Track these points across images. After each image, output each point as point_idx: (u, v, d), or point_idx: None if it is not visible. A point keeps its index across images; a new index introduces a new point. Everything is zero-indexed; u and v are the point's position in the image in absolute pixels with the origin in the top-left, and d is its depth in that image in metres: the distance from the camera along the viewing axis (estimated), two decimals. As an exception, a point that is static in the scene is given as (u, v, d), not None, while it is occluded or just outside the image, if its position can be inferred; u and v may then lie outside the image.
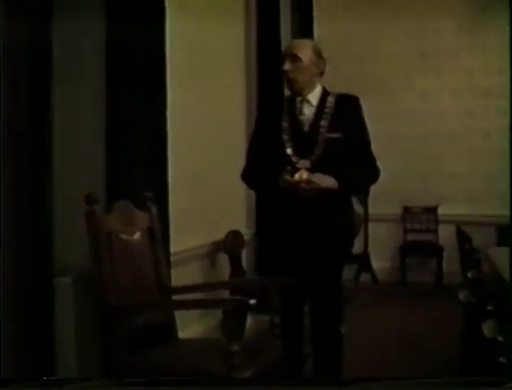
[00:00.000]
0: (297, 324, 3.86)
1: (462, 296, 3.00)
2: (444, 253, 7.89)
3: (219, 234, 5.71)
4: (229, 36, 6.17)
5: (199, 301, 3.94)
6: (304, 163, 3.65)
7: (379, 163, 3.86)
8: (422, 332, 5.90)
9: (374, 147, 3.89)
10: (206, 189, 5.43)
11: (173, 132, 4.32)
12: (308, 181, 3.56)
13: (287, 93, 3.92)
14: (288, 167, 3.62)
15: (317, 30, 7.76)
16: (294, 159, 3.68)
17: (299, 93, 3.76)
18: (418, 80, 8.42)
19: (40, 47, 3.30)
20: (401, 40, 8.43)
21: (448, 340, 4.99)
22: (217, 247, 5.74)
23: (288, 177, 3.58)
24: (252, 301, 2.96)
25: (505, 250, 4.46)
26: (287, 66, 3.70)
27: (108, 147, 3.84)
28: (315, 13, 7.84)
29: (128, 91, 3.89)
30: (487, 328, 2.31)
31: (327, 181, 3.61)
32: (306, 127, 3.74)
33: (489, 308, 2.54)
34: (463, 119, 8.24)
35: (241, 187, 5.34)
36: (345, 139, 3.71)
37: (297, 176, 3.57)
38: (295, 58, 3.70)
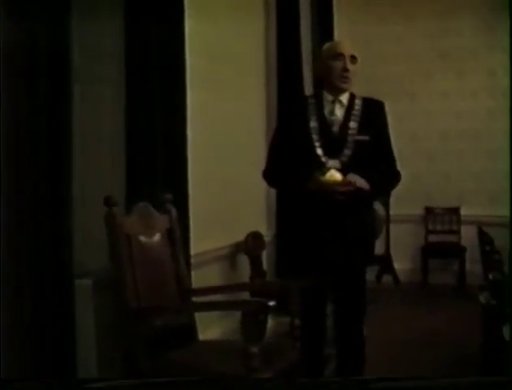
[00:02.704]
0: (318, 326, 3.86)
1: (482, 298, 2.97)
2: (467, 255, 7.83)
3: (240, 235, 5.70)
4: (249, 36, 6.16)
5: (218, 302, 3.93)
6: (334, 164, 3.67)
7: (400, 164, 3.88)
8: (443, 334, 5.86)
9: (395, 147, 3.91)
10: (226, 191, 5.42)
11: (193, 133, 4.32)
12: (344, 182, 3.57)
13: (308, 92, 3.92)
14: (323, 168, 3.62)
15: (337, 30, 7.76)
16: (324, 159, 3.69)
17: (338, 93, 3.78)
18: (439, 80, 8.37)
19: (59, 48, 3.30)
20: (421, 40, 8.39)
21: (469, 342, 4.95)
22: (237, 248, 5.73)
23: (321, 178, 3.58)
24: (271, 303, 2.95)
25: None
26: (349, 65, 3.73)
27: (128, 149, 3.84)
28: (335, 13, 7.83)
29: (147, 93, 3.89)
30: (507, 331, 2.28)
31: (361, 182, 3.63)
32: (336, 128, 3.76)
33: (509, 310, 2.51)
34: (484, 119, 8.19)
35: (261, 188, 5.36)
36: (372, 142, 3.74)
37: (327, 176, 3.58)
38: (353, 59, 3.76)
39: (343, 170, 3.64)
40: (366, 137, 3.73)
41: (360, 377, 3.69)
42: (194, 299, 3.72)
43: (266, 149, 4.15)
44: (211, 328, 4.75)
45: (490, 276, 2.93)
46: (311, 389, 1.87)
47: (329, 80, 3.80)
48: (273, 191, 5.74)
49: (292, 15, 6.55)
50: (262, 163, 4.00)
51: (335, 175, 3.60)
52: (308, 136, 3.73)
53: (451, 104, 8.30)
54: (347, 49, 3.78)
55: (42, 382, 2.08)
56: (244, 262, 5.78)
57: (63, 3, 3.34)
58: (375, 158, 3.77)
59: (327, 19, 7.61)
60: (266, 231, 6.39)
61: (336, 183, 3.58)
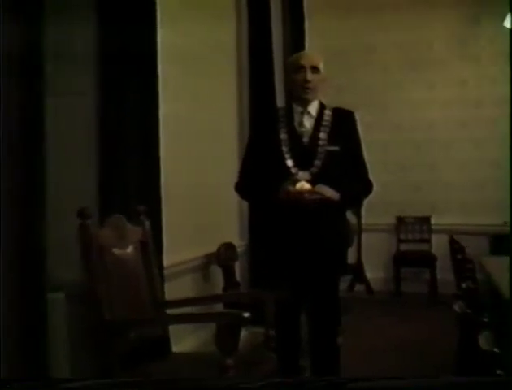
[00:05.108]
0: (293, 337, 3.86)
1: (457, 307, 2.99)
2: (438, 263, 7.88)
3: (212, 246, 5.69)
4: (221, 46, 6.17)
5: (194, 315, 3.92)
6: (304, 175, 3.69)
7: (372, 174, 3.91)
8: (418, 342, 5.89)
9: (367, 157, 3.93)
10: (198, 202, 5.42)
11: (165, 144, 4.31)
12: (312, 192, 3.59)
13: (280, 104, 3.95)
14: (291, 178, 3.64)
15: (308, 42, 7.79)
16: (294, 171, 3.71)
17: (306, 104, 3.81)
18: (410, 90, 8.44)
19: (31, 57, 3.28)
20: (393, 50, 8.46)
21: (443, 351, 4.98)
22: (210, 259, 5.72)
23: (290, 188, 3.59)
24: (246, 315, 2.94)
25: (499, 259, 4.47)
26: (310, 76, 3.76)
27: (100, 160, 3.82)
28: (307, 25, 7.86)
29: (120, 104, 3.89)
30: (484, 340, 2.30)
31: (330, 192, 3.64)
32: (306, 139, 3.79)
33: (485, 319, 2.53)
34: (455, 129, 8.26)
35: (234, 199, 5.35)
36: (342, 152, 3.77)
37: (298, 187, 3.60)
38: (315, 70, 3.79)
39: (314, 181, 3.67)
40: (336, 148, 3.76)
41: (334, 377, 3.70)
42: (168, 311, 3.71)
43: (239, 161, 4.17)
44: (185, 340, 4.74)
45: (464, 285, 2.95)
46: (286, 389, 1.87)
47: (294, 91, 3.86)
48: (245, 201, 5.75)
49: (264, 28, 6.56)
50: (234, 174, 4.01)
51: (304, 186, 3.63)
52: (278, 147, 3.75)
53: (422, 114, 8.37)
54: (308, 60, 3.82)
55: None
56: (217, 272, 5.77)
57: (35, 11, 3.31)
58: (346, 168, 3.79)
59: (299, 32, 7.64)
60: (239, 241, 6.38)
61: (305, 193, 3.60)
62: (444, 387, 1.79)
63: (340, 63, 8.03)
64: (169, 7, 4.57)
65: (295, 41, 7.42)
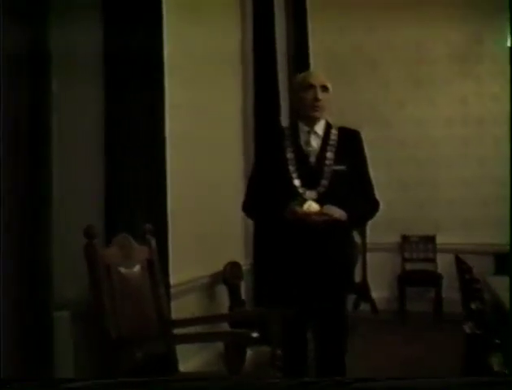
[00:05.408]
0: (300, 355, 3.84)
1: (467, 327, 2.98)
2: (443, 282, 7.85)
3: (218, 265, 5.68)
4: (225, 57, 6.15)
5: (202, 334, 3.92)
6: (311, 194, 3.69)
7: (376, 192, 3.91)
8: (422, 362, 5.86)
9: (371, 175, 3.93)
10: (204, 221, 5.41)
11: (172, 163, 4.31)
12: (320, 213, 3.58)
13: (284, 123, 3.95)
14: (298, 198, 3.64)
15: (313, 61, 7.81)
16: (301, 190, 3.71)
17: (313, 123, 3.82)
18: (412, 107, 8.46)
19: (37, 58, 3.29)
20: (397, 67, 8.48)
21: (448, 370, 4.96)
22: (215, 278, 5.71)
23: (297, 208, 3.59)
24: (254, 334, 2.94)
25: (505, 279, 4.44)
26: (320, 95, 3.78)
27: (106, 178, 3.82)
28: (311, 41, 7.89)
29: (125, 120, 3.86)
30: (495, 361, 2.28)
31: (338, 213, 3.64)
32: (313, 159, 3.79)
33: (496, 340, 2.51)
34: (458, 147, 8.27)
35: (238, 218, 5.35)
36: (349, 171, 3.77)
37: (305, 207, 3.60)
38: (324, 89, 3.81)
39: (320, 200, 3.67)
40: (342, 167, 3.76)
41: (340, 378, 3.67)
42: (174, 330, 3.69)
43: (244, 178, 4.16)
44: (189, 360, 4.71)
45: (473, 306, 2.94)
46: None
47: (302, 110, 3.86)
48: (250, 220, 5.75)
49: (268, 42, 6.58)
50: (238, 192, 4.00)
51: (312, 206, 3.62)
52: (285, 167, 3.76)
53: (425, 131, 8.38)
54: (318, 79, 3.84)
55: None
56: (222, 291, 5.75)
57: (41, 9, 3.32)
58: (352, 187, 3.80)
59: (303, 50, 7.67)
60: (244, 260, 6.37)
61: (313, 213, 3.60)
62: (450, 387, 1.78)
63: (343, 80, 8.05)
64: (173, 22, 4.55)
65: (299, 60, 7.44)
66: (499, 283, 4.51)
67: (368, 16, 8.39)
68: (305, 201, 3.64)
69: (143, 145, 3.99)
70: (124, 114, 3.87)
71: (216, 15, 5.82)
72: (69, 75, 3.79)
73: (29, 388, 1.89)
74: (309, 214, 3.60)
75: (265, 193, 3.81)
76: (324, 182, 3.73)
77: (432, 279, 8.05)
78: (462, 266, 4.25)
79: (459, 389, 1.78)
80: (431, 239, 8.29)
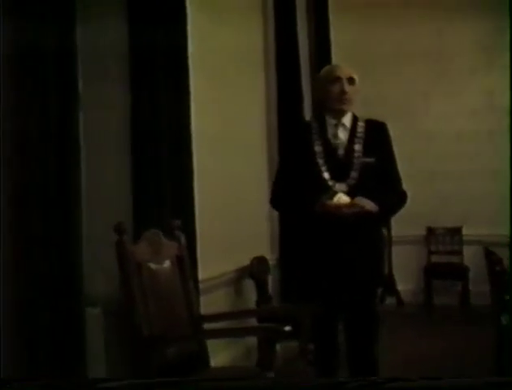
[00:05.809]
0: (332, 348, 3.84)
1: (504, 319, 2.96)
2: (470, 275, 7.81)
3: (245, 260, 5.68)
4: (247, 56, 6.15)
5: (234, 329, 3.93)
6: (340, 187, 3.68)
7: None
8: (450, 355, 5.82)
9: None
10: (230, 216, 5.41)
11: (197, 159, 4.32)
12: (351, 205, 3.57)
13: (308, 117, 3.93)
14: (329, 191, 3.63)
15: (334, 55, 7.78)
16: (331, 183, 3.70)
17: (340, 116, 3.81)
18: (437, 99, 8.40)
19: (63, 58, 3.30)
20: (420, 60, 8.43)
21: (477, 363, 4.93)
22: (242, 273, 5.71)
23: (328, 201, 3.58)
24: (287, 328, 2.94)
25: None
26: (347, 87, 3.78)
27: (134, 175, 3.84)
28: (332, 36, 7.86)
29: (152, 118, 3.89)
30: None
31: (369, 204, 3.63)
32: (341, 151, 3.78)
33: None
34: (484, 139, 8.20)
35: (264, 213, 5.34)
36: (377, 163, 3.76)
37: (335, 200, 3.59)
38: (351, 81, 3.81)
39: (350, 193, 3.66)
40: (371, 159, 3.76)
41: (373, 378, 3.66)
42: (205, 325, 3.70)
43: (268, 173, 4.15)
44: (219, 355, 4.72)
45: (507, 297, 2.92)
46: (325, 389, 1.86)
47: (329, 103, 3.84)
48: (275, 214, 5.74)
49: (291, 38, 6.57)
50: (263, 188, 3.99)
51: (342, 199, 3.62)
52: (313, 160, 3.75)
53: (451, 124, 8.32)
54: (344, 71, 3.83)
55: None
56: (250, 286, 5.75)
57: (67, 9, 3.33)
58: (381, 179, 3.78)
59: (325, 45, 7.64)
60: (270, 255, 6.36)
61: (344, 206, 3.59)
62: (484, 386, 1.77)
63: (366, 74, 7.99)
64: (197, 21, 4.56)
65: (320, 52, 7.42)
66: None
67: (389, 12, 8.34)
68: (335, 193, 3.63)
69: (169, 143, 4.01)
70: (150, 113, 3.89)
71: (239, 12, 5.81)
72: (95, 75, 3.83)
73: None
74: (339, 207, 3.59)
75: (294, 187, 3.80)
76: (354, 174, 3.72)
77: (459, 272, 8.00)
78: (491, 258, 4.22)
79: (498, 388, 1.76)
80: (457, 231, 8.23)
